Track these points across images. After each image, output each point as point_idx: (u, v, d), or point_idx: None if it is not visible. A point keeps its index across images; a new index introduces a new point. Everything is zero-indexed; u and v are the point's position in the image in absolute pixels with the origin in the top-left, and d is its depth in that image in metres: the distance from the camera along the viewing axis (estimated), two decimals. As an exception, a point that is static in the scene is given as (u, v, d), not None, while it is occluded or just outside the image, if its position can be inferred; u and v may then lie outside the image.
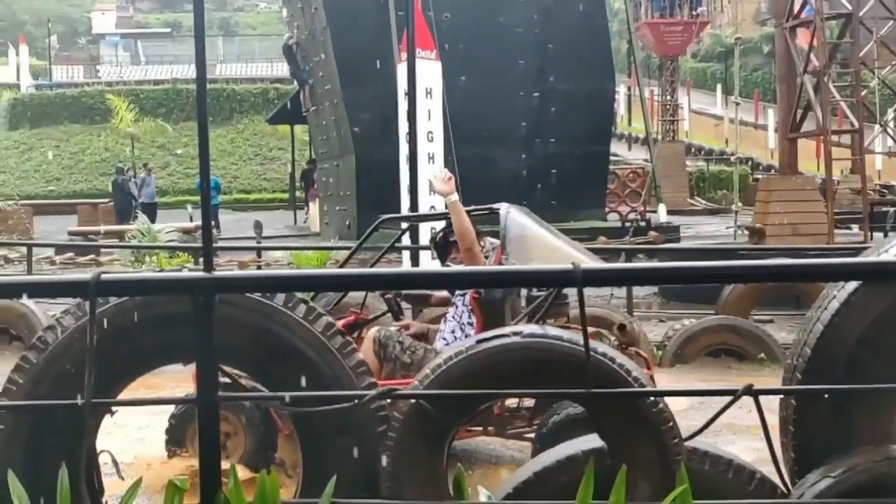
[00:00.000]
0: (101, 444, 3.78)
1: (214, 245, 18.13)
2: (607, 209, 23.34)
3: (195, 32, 3.18)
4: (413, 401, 3.35)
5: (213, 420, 3.17)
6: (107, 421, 3.73)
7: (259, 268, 15.29)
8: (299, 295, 3.54)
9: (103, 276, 3.05)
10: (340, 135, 22.24)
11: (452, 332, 6.08)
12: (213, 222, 26.48)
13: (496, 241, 6.55)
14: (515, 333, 3.37)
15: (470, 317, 6.15)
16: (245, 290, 3.44)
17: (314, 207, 27.45)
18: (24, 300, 13.19)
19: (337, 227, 22.59)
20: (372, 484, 3.35)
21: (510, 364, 3.34)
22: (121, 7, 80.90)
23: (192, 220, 26.29)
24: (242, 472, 4.94)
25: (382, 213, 8.31)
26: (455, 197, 6.34)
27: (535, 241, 6.57)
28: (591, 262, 6.52)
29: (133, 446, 6.05)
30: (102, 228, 25.21)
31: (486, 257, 6.52)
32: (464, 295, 6.15)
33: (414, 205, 11.83)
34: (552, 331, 3.40)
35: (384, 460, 3.34)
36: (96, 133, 45.51)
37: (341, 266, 9.12)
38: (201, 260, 14.68)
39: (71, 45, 75.20)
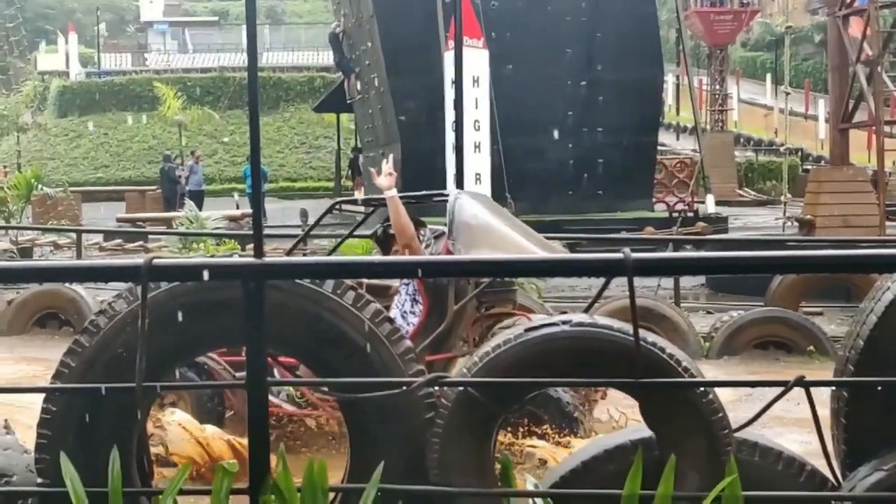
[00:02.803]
0: (151, 427, 3.82)
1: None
2: (654, 199, 23.19)
3: (247, 22, 3.19)
4: (461, 388, 3.34)
5: (261, 405, 3.19)
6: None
7: (305, 256, 15.35)
8: (348, 282, 3.55)
9: (155, 262, 3.08)
10: (386, 123, 22.28)
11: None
12: (259, 210, 26.67)
13: (438, 229, 6.52)
14: (564, 322, 3.35)
15: (413, 306, 6.19)
16: (294, 277, 3.45)
17: (360, 196, 27.53)
18: (74, 285, 13.41)
19: (382, 215, 22.62)
20: (419, 471, 3.35)
21: (558, 353, 3.32)
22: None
23: (238, 208, 26.49)
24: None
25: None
26: (393, 192, 6.29)
27: (484, 228, 6.37)
28: (541, 252, 6.44)
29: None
30: (148, 215, 25.47)
31: (427, 246, 6.52)
32: (408, 284, 6.15)
33: (460, 194, 11.79)
34: (601, 320, 3.38)
35: (432, 447, 3.35)
36: (144, 120, 45.88)
37: (290, 252, 9.05)
38: (250, 246, 14.77)
39: (119, 33, 75.83)
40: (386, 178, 6.40)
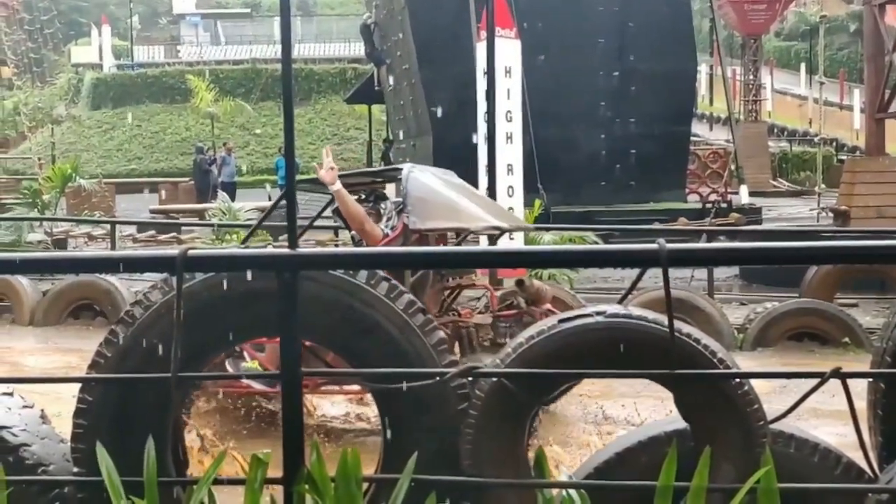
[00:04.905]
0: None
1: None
2: (688, 190, 23.05)
3: (281, 13, 3.19)
4: (494, 379, 3.34)
5: (296, 395, 3.20)
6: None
7: (336, 247, 15.41)
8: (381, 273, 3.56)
9: (190, 252, 3.09)
10: (417, 114, 22.27)
11: None
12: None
13: (399, 201, 6.78)
14: (598, 313, 3.34)
15: None
16: (329, 267, 3.46)
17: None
18: (108, 276, 13.51)
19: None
20: (453, 461, 3.35)
21: (592, 343, 3.31)
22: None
23: (270, 199, 26.58)
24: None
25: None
26: (337, 186, 6.65)
27: (436, 199, 6.76)
28: (498, 222, 7.18)
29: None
30: (181, 206, 25.62)
31: (389, 219, 6.87)
32: None
33: (492, 185, 11.79)
34: (635, 311, 3.37)
35: (465, 438, 3.34)
36: (176, 112, 46.12)
37: (244, 242, 9.27)
38: (281, 237, 14.82)
39: (152, 25, 76.28)
40: (328, 172, 6.70)
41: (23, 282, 14.15)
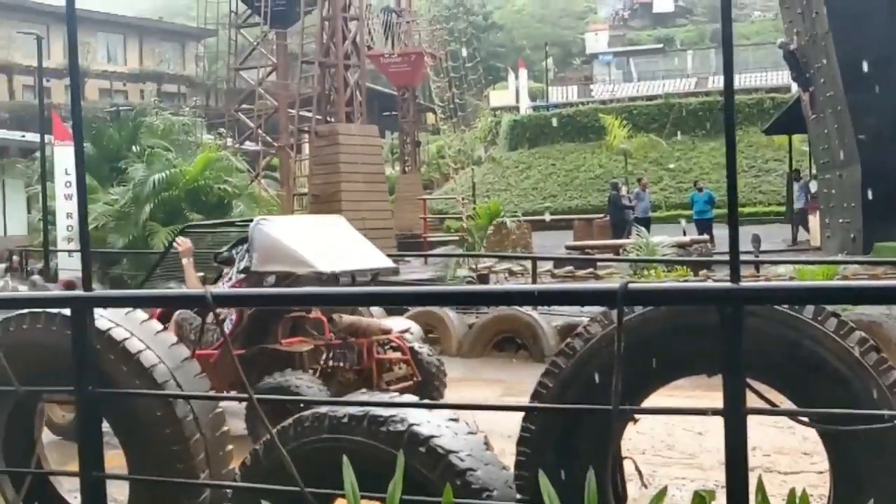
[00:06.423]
0: (624, 450, 3.86)
1: (710, 257, 17.90)
2: None
3: (723, 47, 3.14)
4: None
5: (740, 434, 3.10)
6: (629, 428, 3.80)
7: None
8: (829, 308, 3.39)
9: (630, 286, 3.11)
10: (844, 143, 21.18)
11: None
12: (707, 235, 26.39)
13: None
14: None
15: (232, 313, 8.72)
16: (774, 302, 3.35)
17: (814, 220, 26.41)
18: (529, 310, 13.94)
19: (840, 240, 21.49)
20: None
21: None
22: (613, 26, 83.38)
23: (685, 234, 26.38)
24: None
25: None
26: (185, 260, 9.03)
27: (276, 248, 8.72)
28: (345, 268, 8.87)
29: (656, 455, 6.13)
30: (596, 243, 26.00)
31: (230, 279, 8.98)
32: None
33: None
34: None
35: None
36: (590, 150, 47.02)
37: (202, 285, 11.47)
38: (702, 272, 14.50)
39: (566, 66, 78.67)
40: (183, 247, 9.13)
41: (450, 314, 14.91)
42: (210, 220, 20.27)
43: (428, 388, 9.59)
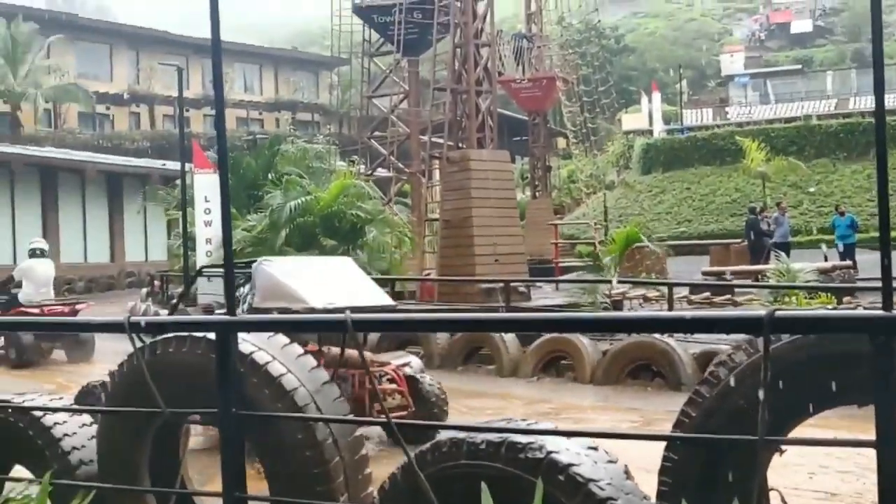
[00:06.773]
0: (771, 481, 3.76)
1: (854, 283, 17.29)
2: None
3: (874, 65, 3.06)
4: None
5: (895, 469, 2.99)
6: (776, 458, 3.71)
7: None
8: None
9: (777, 314, 3.03)
10: None
11: None
12: (850, 261, 25.60)
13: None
14: None
15: None
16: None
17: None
18: (665, 338, 13.70)
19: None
20: None
21: None
22: (749, 48, 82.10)
23: (826, 259, 25.64)
24: None
25: None
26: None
27: (276, 286, 9.31)
28: (339, 304, 8.93)
29: (803, 485, 5.98)
30: (734, 268, 25.47)
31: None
32: None
33: None
34: None
35: None
36: (726, 174, 46.18)
37: (171, 312, 11.50)
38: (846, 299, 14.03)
39: (700, 88, 77.70)
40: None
41: (584, 340, 14.78)
42: (344, 245, 20.62)
43: (428, 417, 10.04)
